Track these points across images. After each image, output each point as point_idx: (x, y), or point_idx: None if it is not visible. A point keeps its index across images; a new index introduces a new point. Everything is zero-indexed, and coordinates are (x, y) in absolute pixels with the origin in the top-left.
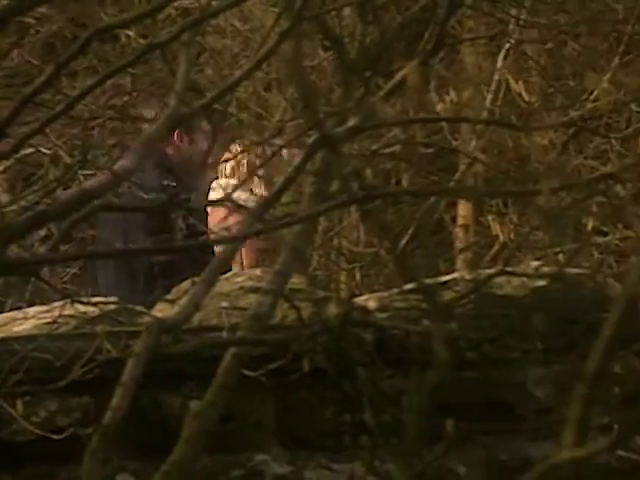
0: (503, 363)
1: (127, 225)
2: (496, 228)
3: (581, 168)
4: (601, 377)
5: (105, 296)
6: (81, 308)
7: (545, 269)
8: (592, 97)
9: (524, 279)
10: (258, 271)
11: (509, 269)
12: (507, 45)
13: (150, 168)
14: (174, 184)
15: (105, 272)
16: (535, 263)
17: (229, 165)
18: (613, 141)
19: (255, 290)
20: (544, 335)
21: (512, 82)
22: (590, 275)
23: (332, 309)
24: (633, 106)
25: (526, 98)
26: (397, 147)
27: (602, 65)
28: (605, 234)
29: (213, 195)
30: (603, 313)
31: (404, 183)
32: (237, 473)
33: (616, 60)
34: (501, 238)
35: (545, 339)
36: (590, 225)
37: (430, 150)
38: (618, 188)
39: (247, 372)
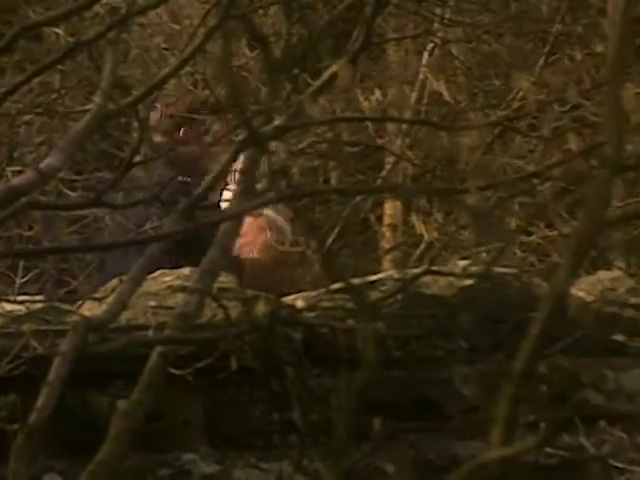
0: (430, 362)
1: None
2: (420, 227)
3: (506, 167)
4: (528, 376)
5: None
6: (7, 307)
7: (473, 268)
8: (518, 97)
9: (452, 279)
10: (186, 270)
11: (436, 268)
12: (431, 44)
13: (162, 165)
14: (188, 179)
15: (123, 260)
16: (463, 262)
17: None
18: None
19: (183, 289)
20: (471, 334)
21: (434, 81)
22: (516, 275)
23: (260, 308)
24: (556, 106)
25: (447, 97)
26: (324, 145)
27: (528, 65)
28: (529, 233)
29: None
30: (530, 312)
31: (333, 181)
32: (165, 472)
33: (541, 60)
34: (426, 237)
35: (472, 338)
36: (513, 224)
37: (357, 149)
38: (540, 187)
39: (174, 371)
